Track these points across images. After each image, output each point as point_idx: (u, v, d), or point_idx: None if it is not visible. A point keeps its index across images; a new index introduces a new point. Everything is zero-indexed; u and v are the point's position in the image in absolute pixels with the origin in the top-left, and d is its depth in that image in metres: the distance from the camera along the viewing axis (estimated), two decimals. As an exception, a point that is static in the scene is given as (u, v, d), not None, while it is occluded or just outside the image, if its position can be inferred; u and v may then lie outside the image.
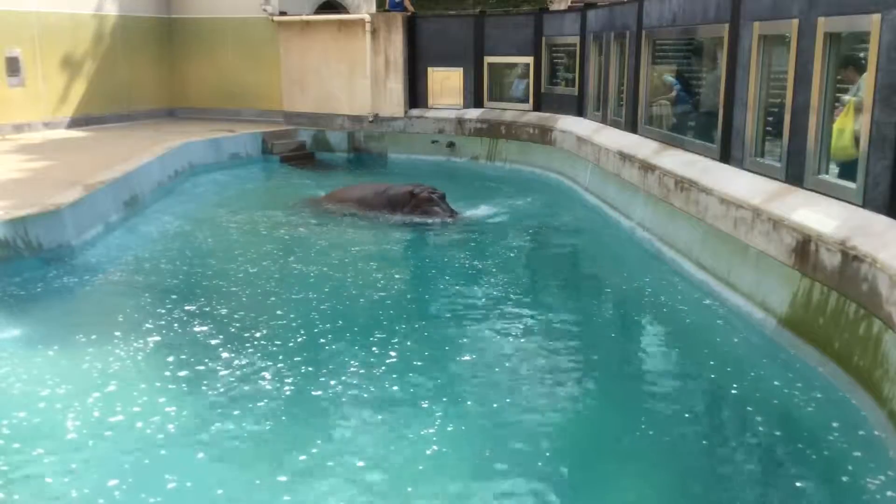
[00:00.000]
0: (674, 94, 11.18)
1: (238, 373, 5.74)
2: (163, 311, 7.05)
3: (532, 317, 7.03)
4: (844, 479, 4.43)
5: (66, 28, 16.43)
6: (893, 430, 4.62)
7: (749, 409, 5.31)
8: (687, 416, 5.30)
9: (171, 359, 5.99)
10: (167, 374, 5.75)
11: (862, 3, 5.98)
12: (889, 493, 4.23)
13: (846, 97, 6.43)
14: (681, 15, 9.82)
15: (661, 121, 11.06)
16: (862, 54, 6.12)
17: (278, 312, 7.01)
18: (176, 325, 6.73)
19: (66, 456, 4.63)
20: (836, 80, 6.50)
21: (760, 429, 5.03)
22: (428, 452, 4.67)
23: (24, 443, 4.77)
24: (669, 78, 11.26)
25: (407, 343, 6.29)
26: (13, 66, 15.37)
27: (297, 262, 8.64)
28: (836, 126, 6.43)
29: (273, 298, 7.42)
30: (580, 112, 14.26)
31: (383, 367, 5.80)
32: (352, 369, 5.79)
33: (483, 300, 7.46)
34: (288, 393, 5.44)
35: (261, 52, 18.22)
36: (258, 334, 6.49)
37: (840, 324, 5.49)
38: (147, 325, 6.70)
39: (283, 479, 4.42)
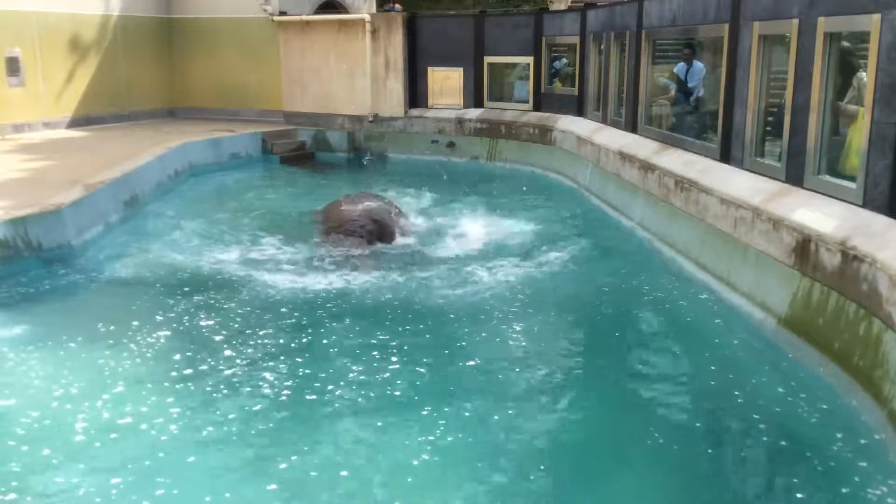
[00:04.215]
0: (673, 93, 11.20)
1: (239, 373, 5.74)
2: (162, 311, 7.05)
3: (528, 318, 7.02)
4: (843, 480, 4.42)
5: (66, 28, 16.43)
6: (893, 431, 4.61)
7: (749, 410, 5.30)
8: (687, 418, 5.30)
9: (171, 358, 5.99)
10: (169, 373, 5.74)
11: (862, 3, 5.98)
12: (889, 495, 4.23)
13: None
14: (681, 15, 9.82)
15: (661, 121, 11.06)
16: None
17: (281, 310, 7.01)
18: (175, 325, 6.73)
19: (67, 455, 4.65)
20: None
21: (760, 430, 5.03)
22: (429, 457, 4.67)
23: (25, 442, 4.78)
24: (663, 80, 11.27)
25: (405, 347, 6.28)
26: (13, 66, 15.37)
27: (296, 266, 8.62)
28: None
29: (272, 300, 7.41)
30: (580, 112, 14.26)
31: (386, 373, 5.78)
32: (354, 371, 5.78)
33: (478, 301, 7.44)
34: (288, 395, 5.44)
35: (261, 52, 18.22)
36: (260, 332, 6.48)
37: (840, 324, 5.49)
38: (147, 326, 6.69)
39: (283, 482, 4.43)
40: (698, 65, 10.91)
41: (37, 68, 15.87)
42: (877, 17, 5.74)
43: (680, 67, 11.11)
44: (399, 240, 9.50)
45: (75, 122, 16.70)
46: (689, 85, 10.92)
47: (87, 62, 16.99)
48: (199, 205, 12.03)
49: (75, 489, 4.33)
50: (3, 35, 15.13)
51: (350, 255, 8.54)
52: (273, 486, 4.37)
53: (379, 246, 9.04)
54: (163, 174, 12.60)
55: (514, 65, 16.35)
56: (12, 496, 4.26)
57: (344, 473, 4.49)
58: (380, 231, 9.30)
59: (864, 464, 4.53)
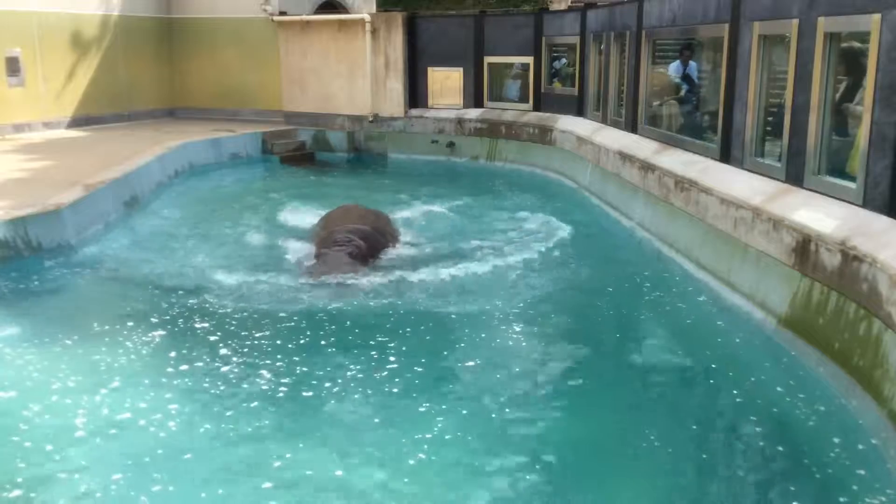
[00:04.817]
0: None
1: (235, 372, 5.75)
2: (162, 310, 7.04)
3: (528, 318, 7.01)
4: (843, 481, 4.42)
5: (66, 28, 16.44)
6: (893, 431, 4.61)
7: (749, 410, 5.30)
8: (687, 418, 5.29)
9: (168, 357, 6.00)
10: (166, 371, 5.75)
11: (862, 3, 5.98)
12: (889, 497, 4.23)
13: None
14: (681, 15, 9.82)
15: (662, 120, 11.06)
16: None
17: (280, 314, 7.00)
18: (175, 324, 6.73)
19: (67, 451, 4.67)
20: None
21: (760, 430, 5.02)
22: (425, 455, 4.67)
23: (26, 438, 4.79)
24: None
25: (404, 345, 6.27)
26: (13, 66, 15.37)
27: (289, 274, 8.58)
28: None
29: (266, 304, 7.38)
30: (580, 112, 14.26)
31: (384, 371, 5.78)
32: (352, 369, 5.79)
33: (478, 302, 7.43)
34: (284, 392, 5.45)
35: (261, 52, 18.23)
36: (257, 333, 6.48)
37: (840, 324, 5.49)
38: (145, 325, 6.69)
39: (279, 478, 4.43)
40: (693, 65, 10.95)
41: (37, 68, 15.87)
42: (877, 17, 5.73)
43: (676, 66, 11.12)
44: (391, 252, 9.08)
45: (75, 122, 16.70)
46: (696, 84, 10.94)
47: (87, 62, 16.99)
48: (199, 205, 12.02)
49: (76, 484, 4.35)
50: (3, 35, 15.13)
51: (337, 271, 8.05)
52: (268, 484, 4.37)
53: (369, 262, 8.53)
54: (163, 174, 12.59)
55: (514, 65, 16.35)
56: (17, 493, 4.28)
57: (339, 472, 4.49)
58: (369, 246, 8.78)
59: (864, 464, 4.53)
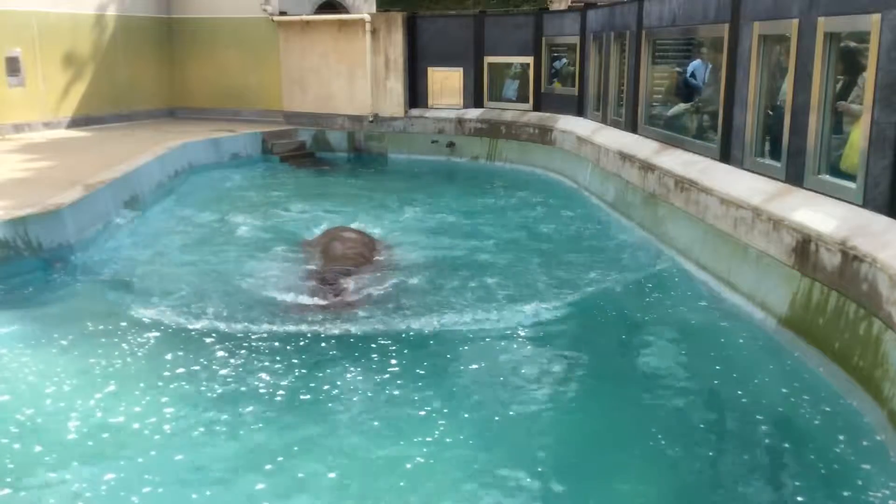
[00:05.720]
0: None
1: (235, 373, 5.74)
2: (161, 310, 7.03)
3: (528, 318, 7.00)
4: (843, 481, 4.41)
5: (66, 28, 16.44)
6: (893, 431, 4.61)
7: (749, 410, 5.29)
8: (687, 418, 5.29)
9: (164, 359, 5.99)
10: (162, 373, 5.74)
11: (862, 3, 5.98)
12: (890, 496, 4.23)
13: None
14: (681, 15, 9.82)
15: (667, 121, 11.05)
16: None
17: (279, 316, 7.00)
18: (174, 324, 6.72)
19: (60, 452, 4.68)
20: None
21: (760, 430, 5.02)
22: (423, 459, 4.67)
23: (19, 439, 4.80)
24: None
25: (404, 350, 6.25)
26: (13, 66, 15.37)
27: (292, 268, 8.60)
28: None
29: (270, 301, 7.40)
30: (580, 112, 14.26)
31: (385, 375, 5.78)
32: (350, 373, 5.78)
33: (478, 302, 7.44)
34: (283, 395, 5.44)
35: (261, 52, 18.23)
36: (255, 335, 6.47)
37: (840, 324, 5.49)
38: (143, 326, 6.67)
39: (272, 481, 4.42)
40: (710, 65, 10.91)
41: (37, 68, 15.87)
42: (877, 17, 5.73)
43: (697, 65, 11.07)
44: (382, 275, 8.29)
45: (75, 122, 16.70)
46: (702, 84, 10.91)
47: (87, 62, 16.99)
48: (198, 206, 12.01)
49: (68, 485, 4.35)
50: (3, 35, 15.14)
51: (317, 302, 7.41)
52: (262, 486, 4.37)
53: (350, 284, 7.89)
54: (163, 174, 12.59)
55: (514, 65, 16.35)
56: (7, 491, 4.28)
57: (332, 475, 4.48)
58: (346, 273, 8.10)
59: (865, 464, 4.53)
